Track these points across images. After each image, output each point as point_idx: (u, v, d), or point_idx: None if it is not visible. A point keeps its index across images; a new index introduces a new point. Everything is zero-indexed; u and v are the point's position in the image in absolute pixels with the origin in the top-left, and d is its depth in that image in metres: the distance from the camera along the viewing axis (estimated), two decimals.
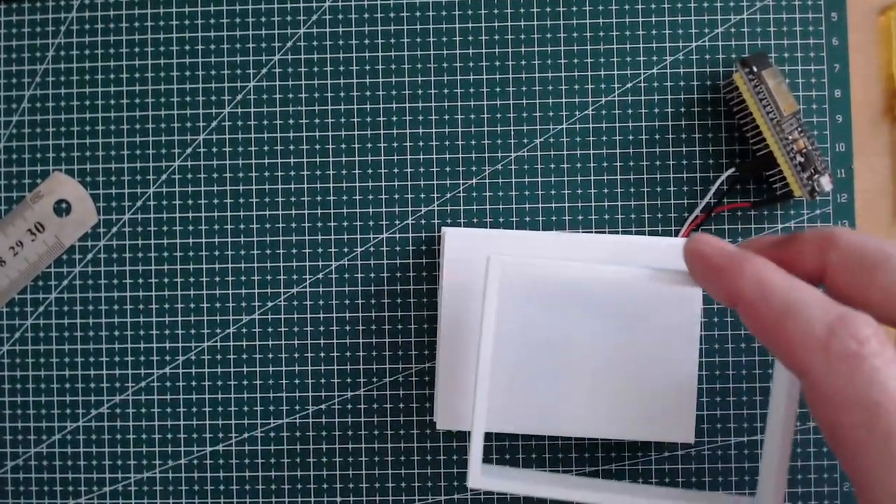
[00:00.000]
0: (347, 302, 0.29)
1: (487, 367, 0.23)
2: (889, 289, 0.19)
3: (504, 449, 0.28)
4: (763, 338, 0.19)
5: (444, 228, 0.25)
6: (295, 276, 0.29)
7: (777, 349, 0.19)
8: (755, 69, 0.26)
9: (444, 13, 0.29)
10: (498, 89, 0.29)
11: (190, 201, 0.29)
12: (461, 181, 0.29)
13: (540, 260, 0.23)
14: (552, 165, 0.28)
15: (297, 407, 0.28)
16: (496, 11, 0.29)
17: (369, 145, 0.29)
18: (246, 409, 0.28)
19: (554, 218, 0.28)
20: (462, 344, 0.27)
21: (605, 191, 0.28)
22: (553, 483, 0.24)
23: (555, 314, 0.26)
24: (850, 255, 0.20)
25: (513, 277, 0.26)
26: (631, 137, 0.28)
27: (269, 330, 0.29)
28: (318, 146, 0.29)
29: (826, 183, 0.26)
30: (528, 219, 0.28)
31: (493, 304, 0.23)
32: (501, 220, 0.28)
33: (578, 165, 0.28)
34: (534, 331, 0.26)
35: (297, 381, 0.28)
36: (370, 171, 0.29)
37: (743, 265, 0.20)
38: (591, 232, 0.28)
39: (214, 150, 0.29)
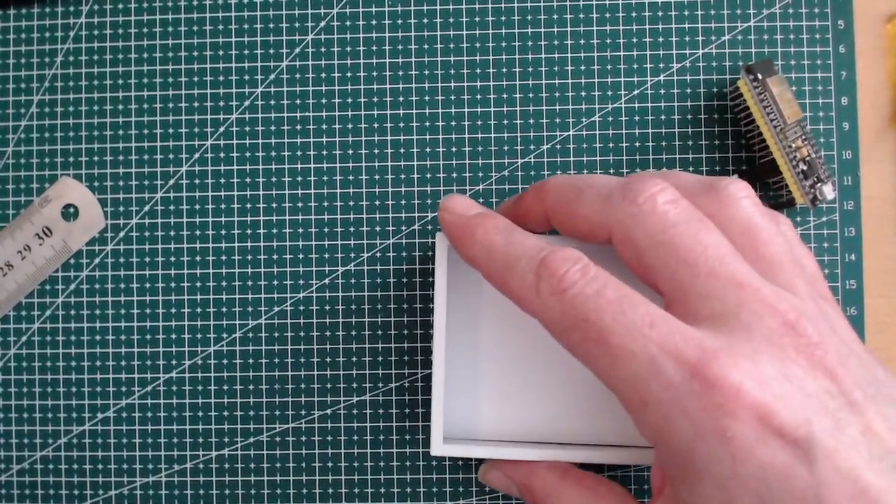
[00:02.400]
0: (354, 307, 0.29)
1: (443, 332, 0.25)
2: (587, 216, 0.22)
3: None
4: (501, 293, 0.22)
5: (437, 234, 0.25)
6: (302, 282, 0.29)
7: (511, 300, 0.22)
8: (760, 76, 0.26)
9: (450, 20, 0.29)
10: (504, 96, 0.29)
11: (197, 206, 0.29)
12: (468, 187, 0.29)
13: None
14: (558, 172, 0.28)
15: (304, 412, 0.28)
16: (503, 19, 0.29)
17: (376, 151, 0.29)
18: (252, 413, 0.28)
19: None
20: (458, 355, 0.27)
21: None
22: (515, 447, 0.25)
23: None
24: (557, 197, 0.23)
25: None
26: (637, 144, 0.28)
27: (276, 335, 0.29)
28: (324, 151, 0.29)
29: (829, 191, 0.26)
30: None
31: (443, 281, 0.25)
32: None
33: (585, 172, 0.28)
34: (537, 346, 0.26)
35: (303, 386, 0.28)
36: (377, 176, 0.29)
37: (474, 232, 0.23)
38: None
39: (222, 155, 0.29)
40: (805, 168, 0.26)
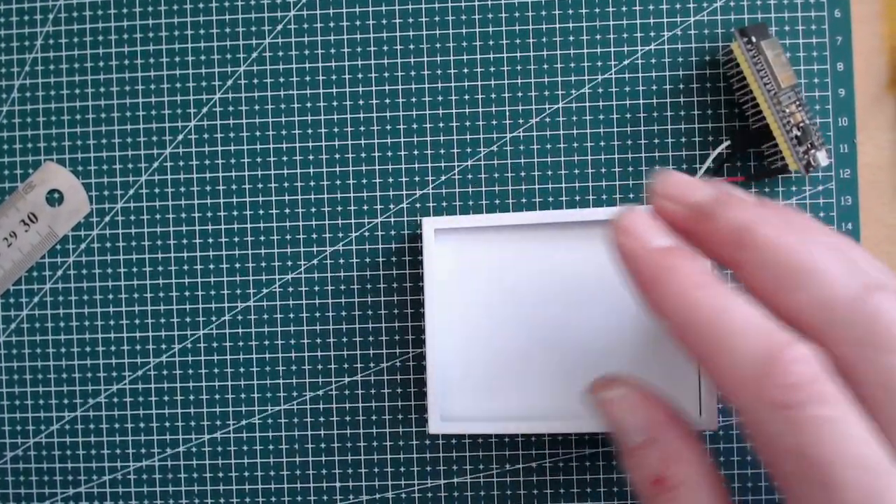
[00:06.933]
0: (343, 287, 0.28)
1: (435, 320, 0.25)
2: (808, 311, 0.18)
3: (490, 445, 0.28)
4: (694, 362, 0.18)
5: (422, 219, 0.24)
6: (289, 263, 0.28)
7: (709, 379, 0.17)
8: (753, 39, 0.26)
9: None
10: (492, 69, 0.28)
11: (182, 189, 0.28)
12: (456, 163, 0.28)
13: (472, 217, 0.25)
14: (548, 145, 0.28)
15: (295, 393, 0.28)
16: None
17: (362, 129, 0.28)
18: (243, 396, 0.28)
19: (551, 199, 0.28)
20: (450, 336, 0.26)
21: (603, 170, 0.28)
22: (512, 420, 0.25)
23: (552, 306, 0.26)
24: (767, 263, 0.18)
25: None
26: (628, 116, 0.28)
27: (265, 317, 0.28)
28: (310, 130, 0.28)
29: (823, 158, 0.26)
30: (524, 200, 0.28)
31: (432, 268, 0.25)
32: (498, 201, 0.28)
33: (575, 145, 0.28)
34: (531, 325, 0.26)
35: (293, 368, 0.28)
36: (363, 154, 0.28)
37: (667, 282, 0.18)
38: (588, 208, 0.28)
39: (206, 136, 0.28)
40: (799, 134, 0.26)
